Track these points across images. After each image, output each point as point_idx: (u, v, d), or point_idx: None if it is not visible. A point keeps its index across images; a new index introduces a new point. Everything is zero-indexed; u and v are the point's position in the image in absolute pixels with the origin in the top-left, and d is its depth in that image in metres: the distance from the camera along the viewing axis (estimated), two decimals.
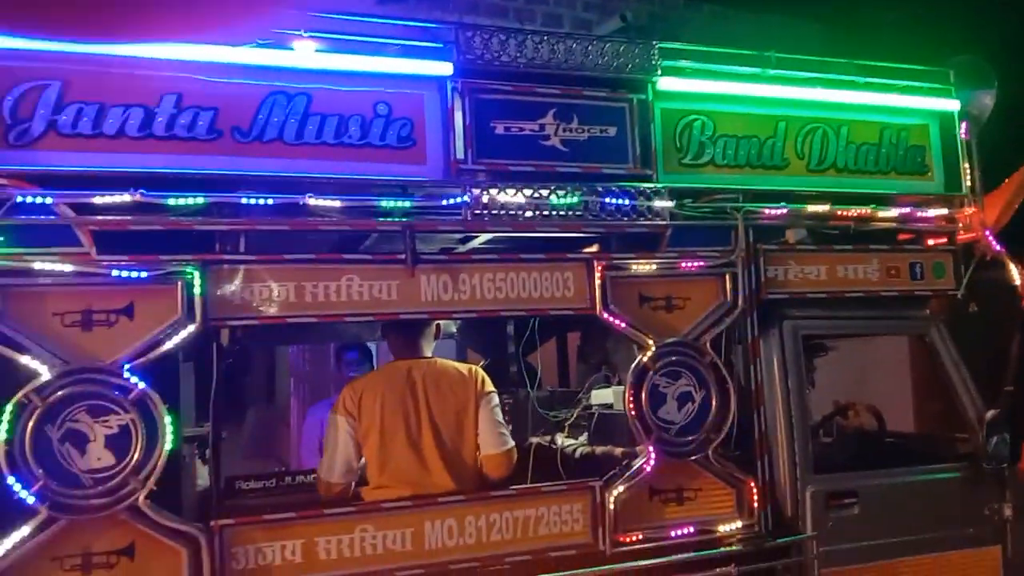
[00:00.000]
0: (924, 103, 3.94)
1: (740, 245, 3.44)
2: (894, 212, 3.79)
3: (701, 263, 3.42)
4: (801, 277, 3.61)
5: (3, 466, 2.49)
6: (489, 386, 3.31)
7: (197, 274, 2.74)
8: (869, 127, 3.83)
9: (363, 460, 3.24)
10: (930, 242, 3.97)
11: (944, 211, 3.91)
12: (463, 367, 3.36)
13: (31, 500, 2.50)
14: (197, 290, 2.74)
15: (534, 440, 3.99)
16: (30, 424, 2.53)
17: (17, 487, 2.49)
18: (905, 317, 3.90)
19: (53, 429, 2.56)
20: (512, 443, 3.33)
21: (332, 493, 3.18)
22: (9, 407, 2.52)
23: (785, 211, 3.55)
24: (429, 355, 3.36)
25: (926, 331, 3.87)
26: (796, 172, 3.68)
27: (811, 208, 3.63)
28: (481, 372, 3.34)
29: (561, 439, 3.90)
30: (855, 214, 3.70)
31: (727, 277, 3.44)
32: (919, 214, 3.84)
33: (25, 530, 2.50)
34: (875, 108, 3.83)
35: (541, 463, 3.85)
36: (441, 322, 3.48)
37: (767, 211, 3.52)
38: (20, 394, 2.53)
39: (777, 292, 3.55)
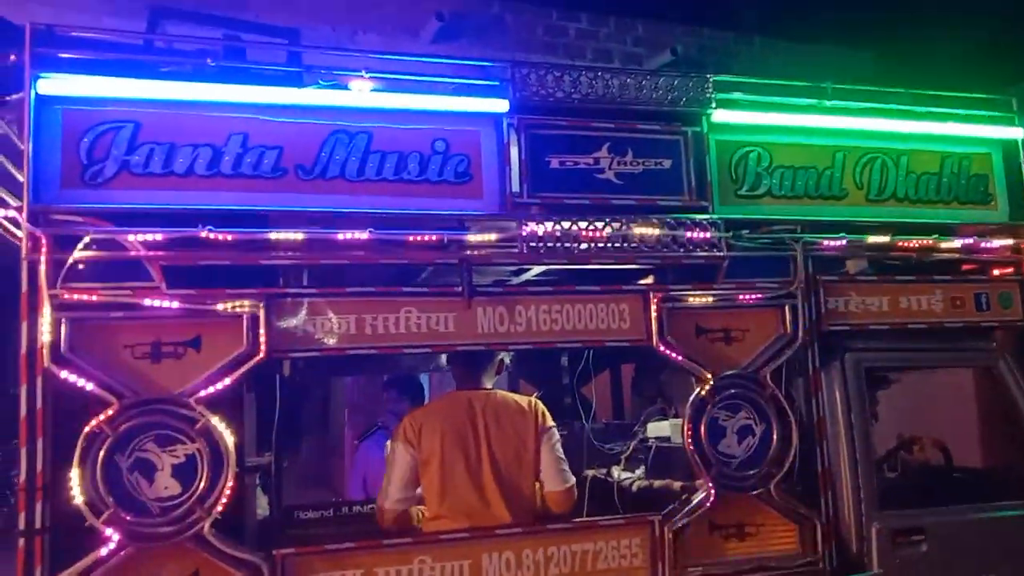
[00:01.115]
0: (986, 131, 3.87)
1: (799, 276, 3.41)
2: (957, 242, 3.71)
3: (759, 295, 3.39)
4: (863, 308, 3.55)
5: (76, 494, 2.56)
6: (550, 421, 3.31)
7: (261, 307, 2.81)
8: (930, 156, 3.77)
9: (419, 489, 3.25)
10: (995, 272, 3.86)
11: (1009, 241, 3.82)
12: (523, 399, 3.36)
13: (102, 527, 2.57)
14: (261, 323, 2.81)
15: (590, 473, 3.96)
16: (101, 454, 2.61)
17: (88, 515, 2.56)
18: (971, 349, 3.80)
19: (123, 458, 2.64)
20: (573, 479, 3.31)
21: (389, 519, 3.19)
22: (81, 437, 2.60)
23: (845, 242, 3.51)
24: (489, 387, 3.38)
25: (993, 363, 3.76)
26: (855, 202, 3.64)
27: (871, 239, 3.58)
28: (541, 406, 3.34)
29: (617, 472, 3.86)
30: (917, 244, 3.63)
31: (786, 308, 3.40)
32: (983, 244, 3.76)
33: (96, 557, 2.57)
34: (935, 137, 3.78)
35: (597, 496, 3.82)
36: (505, 357, 3.51)
37: (826, 242, 3.48)
38: (91, 424, 2.61)
39: (838, 324, 3.49)
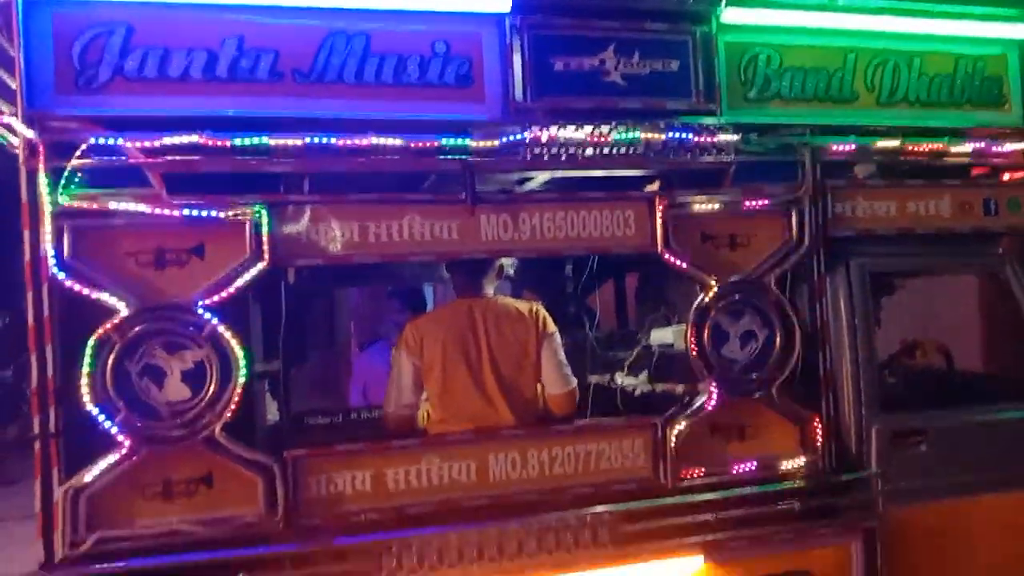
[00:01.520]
0: (1002, 31, 3.74)
1: (807, 181, 3.37)
2: (968, 146, 3.64)
3: (766, 200, 3.35)
4: (870, 214, 3.51)
5: (88, 399, 2.60)
6: (551, 325, 3.33)
7: (264, 214, 2.80)
8: (943, 58, 3.66)
9: (424, 395, 3.30)
10: (1006, 176, 3.81)
11: (1022, 144, 3.74)
12: (524, 305, 3.38)
13: (114, 431, 2.62)
14: (264, 230, 2.79)
15: (593, 379, 4.01)
16: (110, 360, 2.64)
17: (101, 419, 2.61)
18: (977, 254, 3.78)
19: (132, 364, 2.67)
20: (575, 382, 3.35)
21: (393, 424, 3.25)
22: (90, 343, 2.63)
23: (854, 146, 3.44)
24: (490, 293, 3.39)
25: (999, 268, 3.74)
26: (866, 105, 3.55)
27: (881, 143, 3.51)
28: (542, 310, 3.35)
29: (621, 378, 3.91)
30: (927, 148, 3.56)
31: (793, 214, 3.37)
32: (995, 148, 3.68)
33: (109, 459, 2.63)
34: (949, 38, 3.65)
35: (600, 402, 3.88)
36: (504, 262, 3.50)
37: (835, 146, 3.42)
38: (99, 331, 2.63)
39: (845, 229, 3.46)
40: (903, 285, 4.26)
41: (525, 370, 3.27)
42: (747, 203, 3.32)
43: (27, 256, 2.62)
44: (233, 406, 2.72)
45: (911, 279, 4.34)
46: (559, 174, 3.30)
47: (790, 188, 3.39)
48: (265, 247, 2.79)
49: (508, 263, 4.44)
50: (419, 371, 3.24)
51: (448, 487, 2.97)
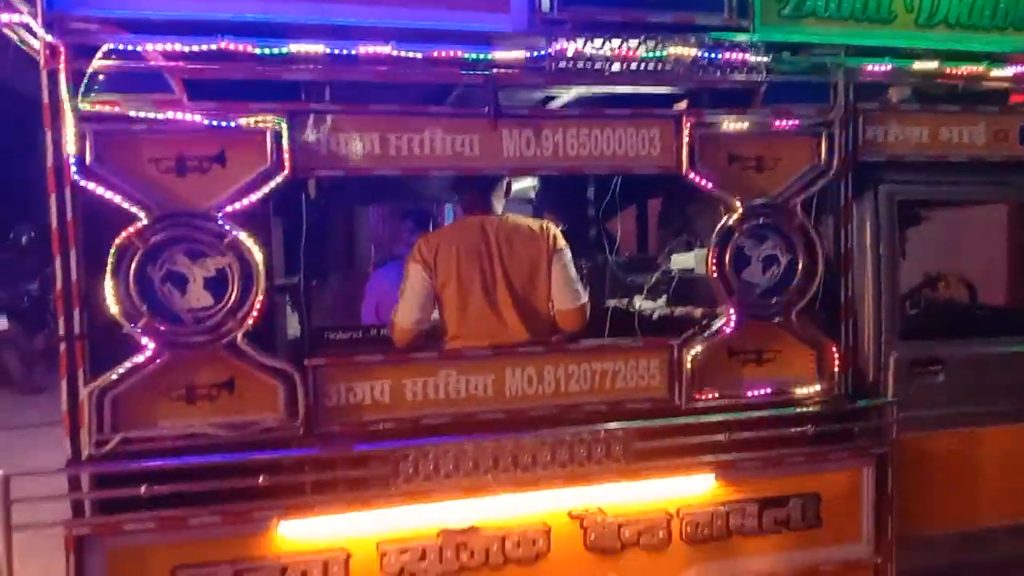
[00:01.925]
0: None
1: (839, 103, 3.28)
2: (1009, 70, 3.52)
3: (796, 122, 3.27)
4: (902, 139, 3.43)
5: (111, 303, 2.63)
6: (561, 242, 3.31)
7: (285, 123, 2.77)
8: None
9: (435, 311, 3.31)
10: None
11: None
12: (534, 223, 3.36)
13: (138, 335, 2.66)
14: (285, 139, 2.77)
15: (612, 303, 4.01)
16: (132, 265, 2.66)
17: (124, 322, 2.64)
18: (1009, 184, 3.69)
19: (154, 270, 2.68)
20: (586, 298, 3.35)
21: (404, 339, 3.26)
22: (112, 249, 2.64)
23: (889, 68, 3.33)
24: (500, 211, 3.37)
25: None
26: (903, 27, 3.42)
27: (917, 65, 3.39)
28: (553, 227, 3.33)
29: (639, 302, 3.91)
30: (965, 72, 3.45)
31: (823, 137, 3.29)
32: None
33: (134, 363, 2.67)
34: None
35: (618, 326, 3.89)
36: (512, 181, 3.46)
37: (870, 67, 3.32)
38: (122, 237, 2.65)
39: (875, 155, 3.39)
40: (930, 218, 4.19)
41: (537, 287, 3.27)
42: (776, 124, 3.25)
43: (49, 160, 2.62)
44: (255, 313, 2.74)
45: (938, 212, 4.26)
46: (584, 91, 3.23)
47: (821, 110, 3.30)
48: (286, 156, 2.77)
49: (529, 185, 4.41)
50: (431, 286, 3.24)
51: (465, 400, 3.00)
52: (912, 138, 3.45)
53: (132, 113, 2.67)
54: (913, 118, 3.46)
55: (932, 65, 3.41)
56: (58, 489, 2.66)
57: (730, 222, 3.19)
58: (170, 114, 2.69)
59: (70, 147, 2.59)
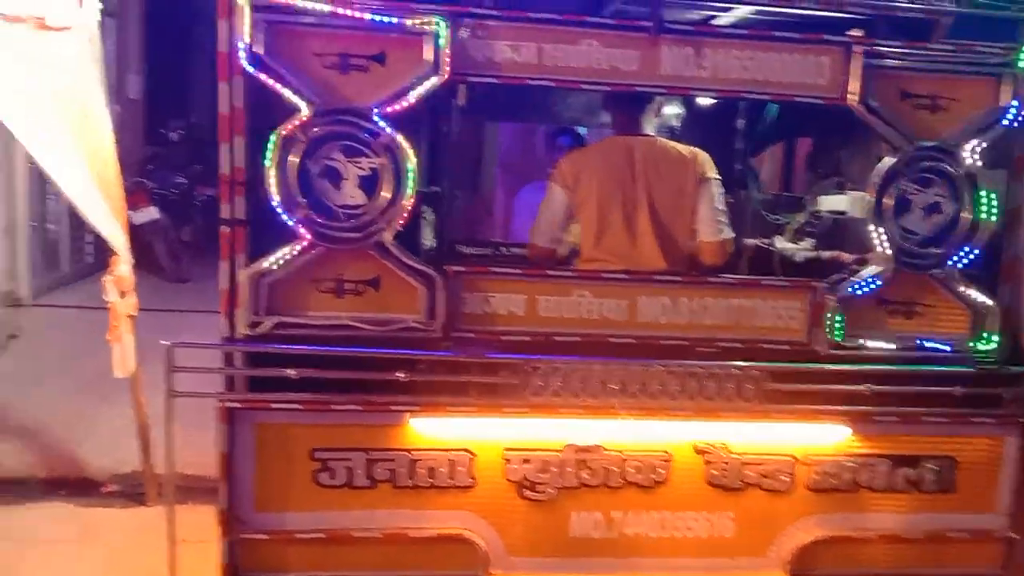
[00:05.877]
0: None
1: None
2: None
3: (978, 61, 3.02)
4: None
5: (272, 193, 2.73)
6: (712, 171, 3.21)
7: (444, 26, 2.76)
8: None
9: (572, 232, 3.28)
10: None
11: None
12: (685, 149, 3.25)
13: (294, 226, 2.75)
14: (443, 43, 2.76)
15: (752, 242, 3.89)
16: (293, 157, 2.73)
17: (283, 212, 2.74)
18: None
19: (312, 164, 2.75)
20: (731, 233, 3.26)
21: (539, 256, 3.26)
22: (273, 139, 2.72)
23: None
24: (651, 133, 3.28)
25: None
26: None
27: None
28: (704, 155, 3.22)
29: (781, 243, 3.77)
30: None
31: (1005, 79, 3.04)
32: None
33: (289, 252, 2.78)
34: None
35: (757, 264, 3.78)
36: (670, 110, 3.35)
37: None
38: (285, 127, 2.72)
39: None
40: None
41: (681, 215, 3.19)
42: (957, 62, 3.01)
43: (220, 47, 2.70)
44: (404, 216, 2.80)
45: None
46: (751, 11, 3.08)
47: (1007, 49, 3.03)
48: (444, 59, 2.76)
49: (672, 113, 4.27)
50: (570, 206, 3.21)
51: (597, 322, 2.99)
52: None
53: (300, 5, 2.72)
54: None
55: None
56: (213, 364, 2.84)
57: (895, 163, 3.00)
58: (335, 9, 2.72)
59: (245, 37, 2.66)
